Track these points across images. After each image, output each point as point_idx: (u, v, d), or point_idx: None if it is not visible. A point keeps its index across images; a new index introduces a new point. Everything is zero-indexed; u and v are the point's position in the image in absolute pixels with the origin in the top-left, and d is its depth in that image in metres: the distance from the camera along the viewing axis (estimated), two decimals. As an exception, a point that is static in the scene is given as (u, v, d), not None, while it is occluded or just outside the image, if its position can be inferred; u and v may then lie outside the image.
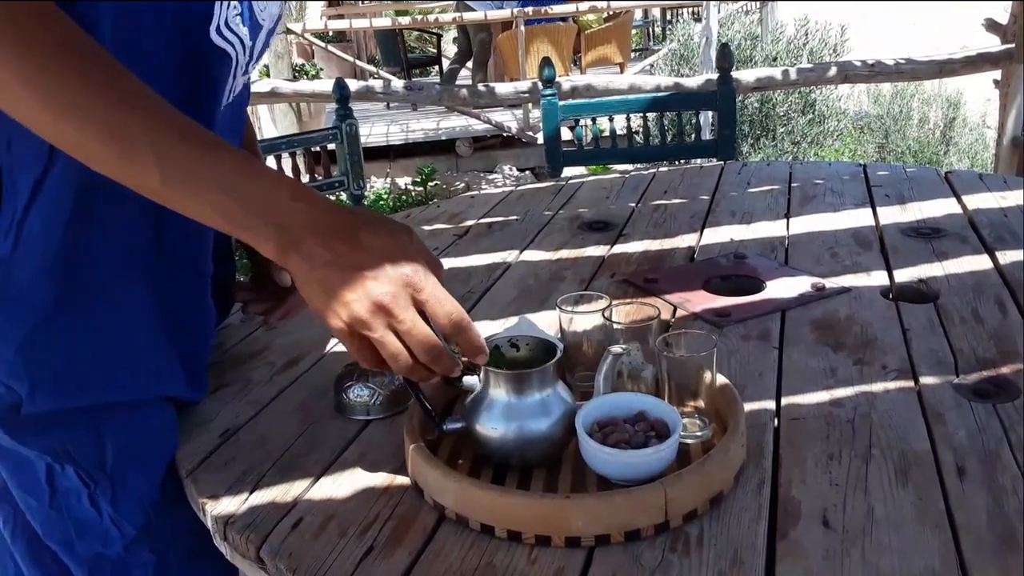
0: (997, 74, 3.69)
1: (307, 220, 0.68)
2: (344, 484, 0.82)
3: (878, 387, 0.93)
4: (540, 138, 2.55)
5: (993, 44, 3.63)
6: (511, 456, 0.80)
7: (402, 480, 0.82)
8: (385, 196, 5.68)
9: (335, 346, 1.13)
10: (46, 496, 0.86)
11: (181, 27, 0.76)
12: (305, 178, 2.29)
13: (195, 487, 0.83)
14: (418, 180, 5.85)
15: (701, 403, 0.85)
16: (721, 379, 0.86)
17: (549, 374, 0.80)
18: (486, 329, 1.14)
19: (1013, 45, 3.39)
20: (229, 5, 0.78)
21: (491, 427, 0.79)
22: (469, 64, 7.44)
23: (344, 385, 0.95)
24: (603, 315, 0.92)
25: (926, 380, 0.94)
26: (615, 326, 0.91)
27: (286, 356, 1.10)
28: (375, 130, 6.93)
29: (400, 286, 0.68)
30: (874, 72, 3.57)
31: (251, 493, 0.81)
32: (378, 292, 0.67)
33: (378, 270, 0.68)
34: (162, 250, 0.85)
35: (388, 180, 6.38)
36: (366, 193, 2.46)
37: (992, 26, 3.67)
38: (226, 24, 0.78)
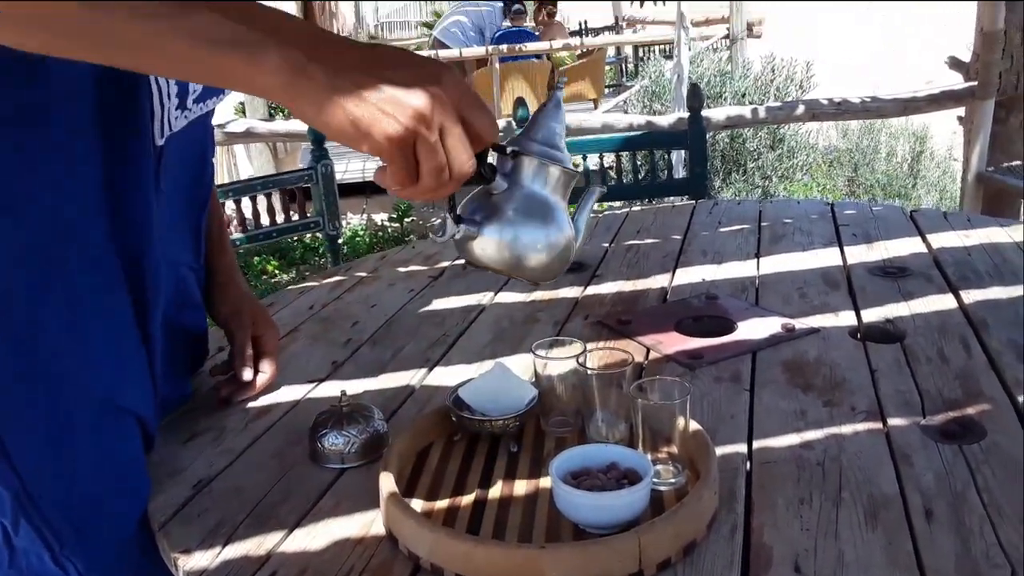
0: (961, 110, 3.78)
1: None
2: (319, 535, 0.82)
3: (847, 429, 0.94)
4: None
5: (956, 81, 3.73)
6: (519, 262, 0.79)
7: (377, 530, 0.82)
8: (361, 232, 5.68)
9: (310, 392, 1.13)
10: (5, 556, 0.85)
11: None
12: (280, 217, 2.29)
13: (167, 541, 0.83)
14: (395, 216, 5.86)
15: (675, 449, 0.86)
16: (694, 425, 0.87)
17: (568, 187, 0.81)
18: (461, 374, 1.14)
19: (976, 83, 3.48)
20: None
21: (506, 224, 0.77)
22: None
23: (319, 433, 0.95)
24: (577, 361, 0.93)
25: (894, 421, 0.95)
26: (589, 372, 0.92)
27: (260, 403, 1.10)
28: (351, 166, 6.93)
29: (451, 85, 0.65)
30: (841, 110, 3.65)
31: (224, 546, 0.81)
32: (433, 89, 0.63)
33: (420, 69, 0.64)
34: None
35: (364, 216, 6.39)
36: (342, 230, 2.46)
37: (955, 64, 3.77)
38: None
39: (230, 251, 1.17)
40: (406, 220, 5.76)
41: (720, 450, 0.88)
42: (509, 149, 0.79)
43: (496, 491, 0.85)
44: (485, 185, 0.78)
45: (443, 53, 6.79)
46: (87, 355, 0.84)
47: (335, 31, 11.68)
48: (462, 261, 1.65)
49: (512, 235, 0.78)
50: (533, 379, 0.99)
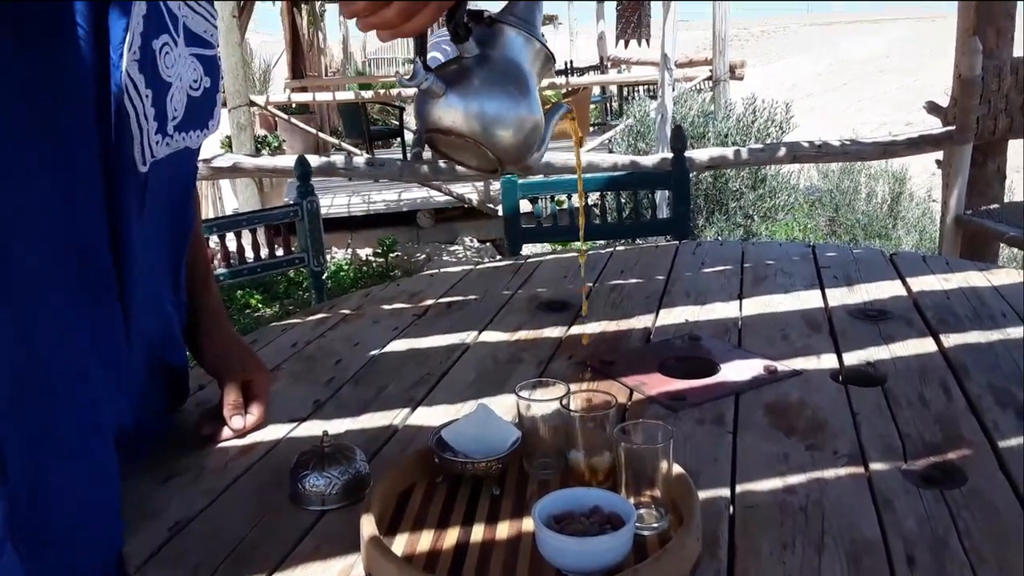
0: (940, 154, 3.85)
1: None
2: (298, 580, 0.80)
3: (830, 473, 0.95)
4: (501, 210, 2.61)
5: (935, 125, 3.81)
6: (483, 128, 0.77)
7: (358, 573, 0.80)
8: (346, 267, 5.68)
9: (291, 431, 1.12)
10: None
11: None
12: (264, 252, 2.29)
13: (143, 585, 0.81)
14: (379, 251, 5.87)
15: (658, 493, 0.85)
16: (677, 469, 0.87)
17: (540, 65, 0.80)
18: (444, 414, 1.14)
19: (954, 127, 3.55)
20: (128, 51, 0.80)
21: (473, 89, 0.75)
22: None
23: (300, 474, 0.94)
24: (561, 403, 0.93)
25: (876, 466, 0.96)
26: (573, 414, 0.92)
27: (241, 443, 1.09)
28: (337, 201, 6.97)
29: None
30: (821, 152, 3.71)
31: (201, 591, 0.79)
32: None
33: None
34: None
35: (349, 251, 6.39)
36: (327, 265, 2.47)
37: (933, 108, 3.84)
38: (125, 71, 0.80)
39: (216, 295, 1.16)
40: (391, 255, 5.77)
41: (703, 494, 0.88)
42: (486, 14, 0.78)
43: (478, 534, 0.84)
44: (458, 44, 0.77)
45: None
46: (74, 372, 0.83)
47: (323, 67, 11.79)
48: (447, 299, 1.66)
49: (478, 101, 0.76)
50: (516, 420, 0.99)
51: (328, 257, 6.01)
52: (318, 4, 11.77)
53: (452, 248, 6.65)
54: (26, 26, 0.73)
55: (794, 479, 0.94)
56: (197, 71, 0.93)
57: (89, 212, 0.82)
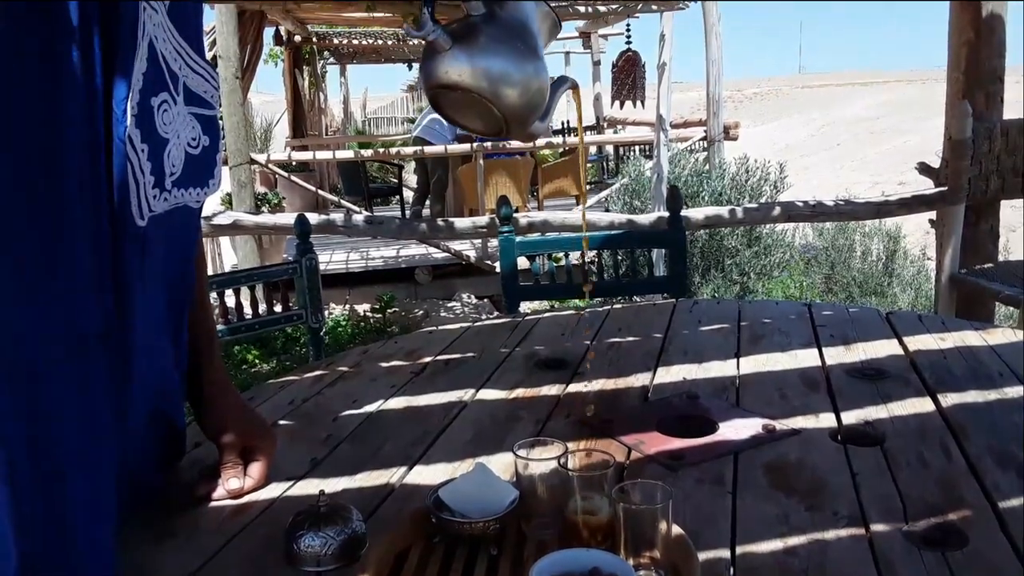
0: (933, 213, 3.89)
1: None
2: (292, 643, 0.79)
3: (830, 534, 0.94)
4: (498, 267, 2.63)
5: (927, 185, 3.85)
6: (489, 83, 0.75)
7: (352, 638, 0.79)
8: (344, 323, 5.67)
9: (287, 490, 1.11)
10: None
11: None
12: (263, 308, 2.29)
13: (134, 648, 0.80)
14: (377, 307, 5.87)
15: (657, 554, 0.84)
16: (676, 530, 0.86)
17: (546, 29, 0.79)
18: (442, 473, 1.13)
19: (946, 188, 3.59)
20: (128, 106, 0.82)
21: (478, 48, 0.74)
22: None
23: (295, 534, 0.93)
24: (559, 463, 0.93)
25: (876, 527, 0.95)
26: (571, 473, 0.91)
27: (236, 502, 1.08)
28: (335, 257, 7.00)
29: None
30: (815, 212, 3.75)
31: (194, 654, 0.78)
32: None
33: None
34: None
35: (347, 307, 6.40)
36: (325, 321, 2.47)
37: (925, 170, 3.90)
38: (124, 126, 0.82)
39: (219, 363, 1.15)
40: (389, 311, 5.77)
41: (703, 555, 0.87)
42: None
43: (476, 597, 0.83)
44: (465, 2, 0.76)
45: (428, 149, 6.93)
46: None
47: (323, 127, 11.96)
48: (444, 357, 1.66)
49: (485, 55, 0.76)
50: (514, 479, 0.98)
51: (326, 313, 6.01)
52: (319, 66, 12.00)
53: (450, 304, 6.66)
54: (39, 81, 0.75)
55: (795, 540, 0.93)
56: (196, 129, 0.95)
57: (92, 266, 0.83)
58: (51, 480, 0.79)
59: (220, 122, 1.17)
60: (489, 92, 0.79)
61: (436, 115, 7.31)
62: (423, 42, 0.80)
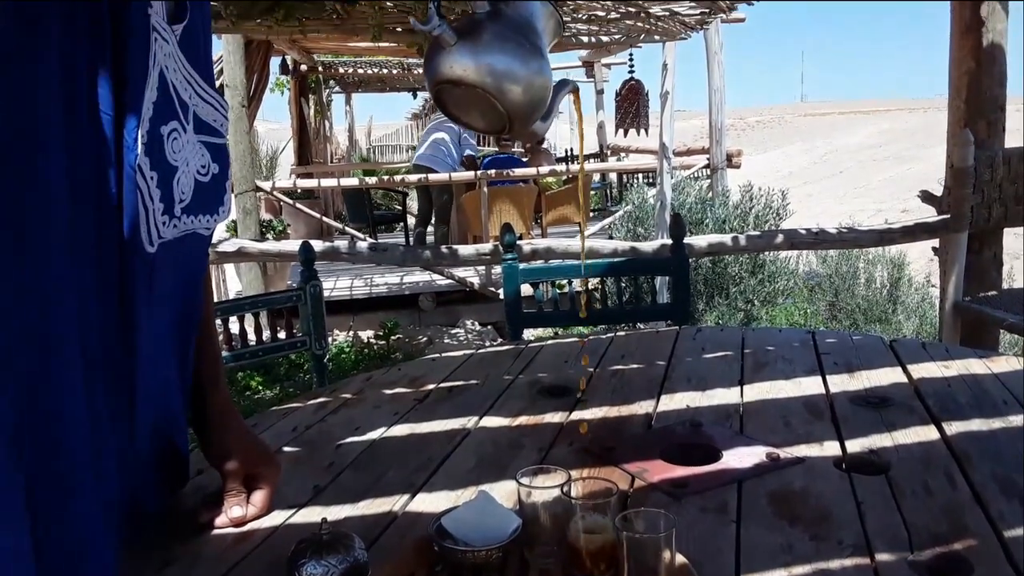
0: (936, 241, 3.90)
1: None
2: (293, 673, 0.79)
3: (835, 564, 0.93)
4: (502, 294, 2.64)
5: (930, 212, 3.86)
6: (495, 83, 0.75)
7: (354, 668, 0.79)
8: (347, 349, 5.67)
9: (289, 518, 1.11)
10: None
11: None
12: (267, 335, 2.30)
13: (135, 677, 0.79)
14: (381, 334, 5.87)
15: (660, 583, 0.84)
16: (680, 558, 0.86)
17: (550, 28, 0.79)
18: (444, 500, 1.13)
19: (949, 216, 3.60)
20: (138, 134, 0.84)
21: (482, 44, 0.74)
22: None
23: (297, 563, 0.92)
24: (562, 490, 0.93)
25: (881, 556, 0.94)
26: (574, 501, 0.91)
27: (238, 530, 1.07)
28: (339, 284, 7.01)
29: None
30: (818, 240, 3.75)
31: None
32: None
33: None
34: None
35: (351, 333, 6.40)
36: (328, 348, 2.47)
37: (928, 198, 3.91)
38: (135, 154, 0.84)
39: (224, 391, 1.15)
40: (392, 338, 5.77)
41: (707, 585, 0.87)
42: None
43: (478, 626, 0.83)
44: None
45: (433, 177, 6.97)
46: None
47: (328, 154, 12.03)
48: (448, 384, 1.66)
49: (489, 52, 0.76)
50: (517, 507, 0.98)
51: (330, 339, 6.02)
52: (325, 94, 12.10)
53: (454, 331, 6.66)
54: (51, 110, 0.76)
55: (799, 570, 0.92)
56: (205, 157, 0.97)
57: (101, 292, 0.84)
58: (58, 500, 0.79)
59: (228, 150, 1.18)
60: (493, 88, 0.79)
61: (437, 135, 7.36)
62: (428, 36, 0.81)
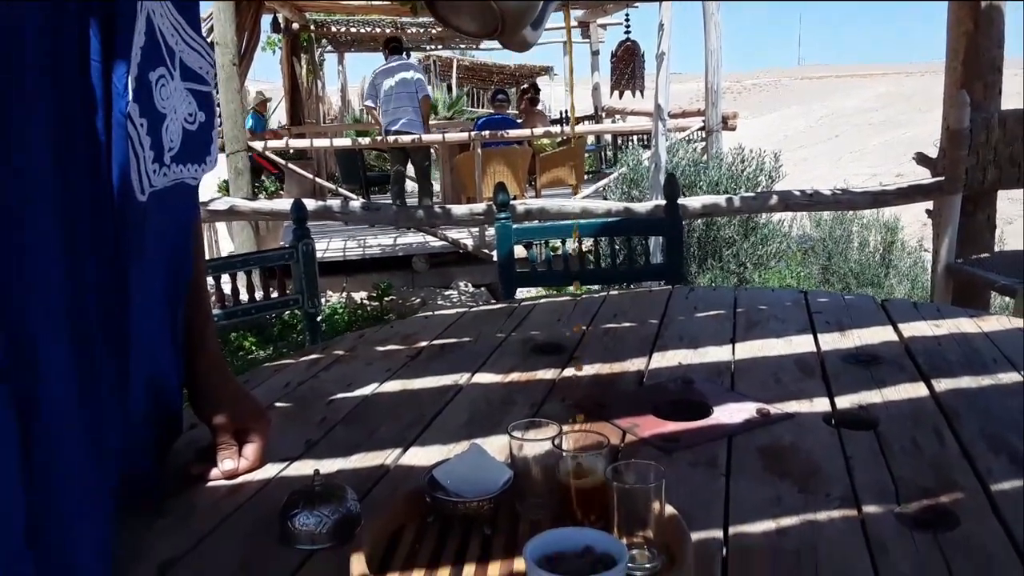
0: (930, 204, 3.90)
1: None
2: (286, 620, 0.79)
3: (823, 516, 0.94)
4: (495, 256, 2.63)
5: (924, 177, 3.86)
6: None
7: (346, 615, 0.79)
8: (341, 310, 5.67)
9: (282, 471, 1.11)
10: None
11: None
12: (259, 293, 2.29)
13: (128, 624, 0.80)
14: (374, 295, 5.87)
15: (650, 533, 0.85)
16: (670, 509, 0.86)
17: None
18: (436, 454, 1.13)
19: (944, 178, 3.59)
20: (128, 80, 0.82)
21: None
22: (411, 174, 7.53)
23: (290, 513, 0.93)
24: (553, 443, 0.93)
25: (869, 509, 0.95)
26: (565, 453, 0.92)
27: (230, 482, 1.08)
28: (332, 245, 6.99)
29: None
30: (813, 201, 3.75)
31: (187, 630, 0.78)
32: None
33: None
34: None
35: (344, 295, 6.40)
36: (321, 307, 2.47)
37: (923, 160, 3.90)
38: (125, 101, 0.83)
39: (213, 345, 1.14)
40: (386, 299, 5.77)
41: (696, 535, 0.88)
42: None
43: (469, 574, 0.83)
44: None
45: (427, 138, 6.91)
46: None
47: (321, 115, 11.92)
48: (440, 342, 1.66)
49: None
50: (509, 461, 0.98)
51: (323, 301, 6.01)
52: (317, 54, 11.96)
53: (447, 293, 6.66)
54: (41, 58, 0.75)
55: (787, 522, 0.93)
56: (192, 105, 0.95)
57: (89, 242, 0.83)
58: (45, 462, 0.79)
59: (214, 98, 1.16)
60: None
61: (400, 93, 7.12)
62: None
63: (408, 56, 7.35)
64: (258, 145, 6.70)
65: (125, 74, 0.83)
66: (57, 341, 0.79)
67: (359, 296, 6.28)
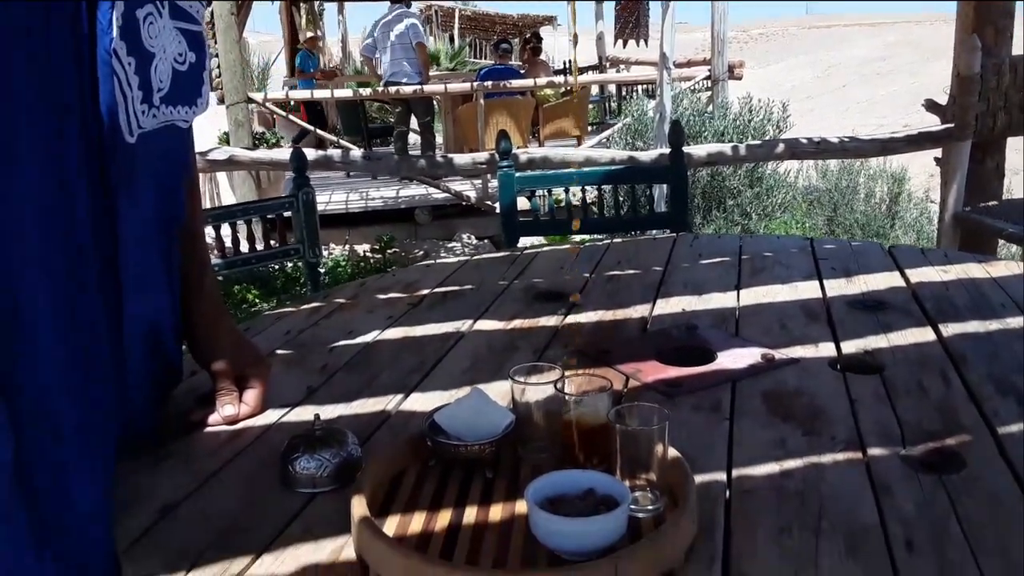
0: (939, 152, 3.85)
1: None
2: (287, 561, 0.79)
3: (827, 458, 0.93)
4: (498, 207, 2.59)
5: (934, 123, 3.80)
6: None
7: (348, 555, 0.79)
8: (343, 263, 5.66)
9: (283, 416, 1.10)
10: None
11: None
12: (260, 245, 2.27)
13: (131, 567, 0.80)
14: (377, 248, 5.85)
15: (653, 476, 0.84)
16: (673, 452, 0.86)
17: None
18: (437, 400, 1.13)
19: (953, 125, 3.54)
20: (113, 16, 0.80)
21: None
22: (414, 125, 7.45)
23: (291, 457, 0.93)
24: (555, 386, 0.92)
25: (873, 452, 0.94)
26: (567, 397, 0.91)
27: (232, 427, 1.07)
28: (335, 198, 6.95)
29: None
30: (820, 149, 3.70)
31: (189, 573, 0.78)
32: None
33: None
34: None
35: (347, 247, 6.38)
36: (323, 260, 2.45)
37: (932, 106, 3.84)
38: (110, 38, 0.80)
39: (211, 292, 1.13)
40: (388, 252, 5.75)
41: (699, 478, 0.87)
42: None
43: (471, 516, 0.83)
44: None
45: (429, 88, 6.82)
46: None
47: (323, 64, 11.76)
48: (442, 289, 1.65)
49: None
50: (511, 405, 0.97)
51: (326, 253, 5.99)
52: (316, 3, 11.75)
53: (450, 245, 6.63)
54: None
55: (791, 464, 0.93)
56: (181, 44, 0.92)
57: (81, 182, 0.81)
58: (43, 422, 0.78)
59: (205, 38, 1.12)
60: None
61: (396, 45, 7.02)
62: None
63: (409, 6, 7.19)
64: (258, 97, 6.61)
65: (110, 9, 0.81)
66: (44, 276, 0.77)
67: (362, 249, 6.26)
